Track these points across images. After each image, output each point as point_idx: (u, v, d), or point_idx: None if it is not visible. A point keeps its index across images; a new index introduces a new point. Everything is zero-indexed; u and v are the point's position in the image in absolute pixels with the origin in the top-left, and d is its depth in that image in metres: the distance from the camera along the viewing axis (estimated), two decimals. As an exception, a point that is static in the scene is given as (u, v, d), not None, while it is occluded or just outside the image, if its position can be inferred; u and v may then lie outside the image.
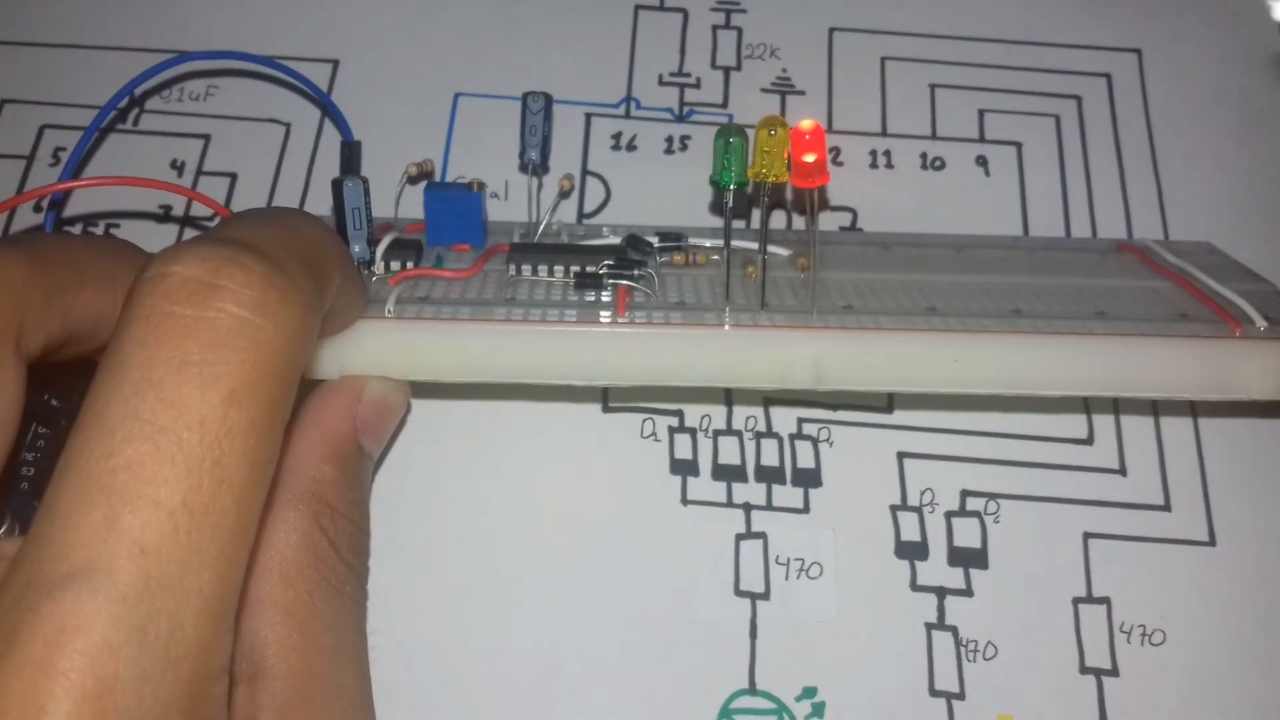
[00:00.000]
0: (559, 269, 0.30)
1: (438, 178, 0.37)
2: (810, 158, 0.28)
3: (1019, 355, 0.29)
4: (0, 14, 0.40)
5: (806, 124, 0.28)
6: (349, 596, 0.26)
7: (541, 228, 0.33)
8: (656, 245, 0.32)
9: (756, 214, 0.35)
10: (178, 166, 0.37)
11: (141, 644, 0.17)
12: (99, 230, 0.36)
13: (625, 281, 0.30)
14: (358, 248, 0.29)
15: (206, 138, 0.37)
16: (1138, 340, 0.29)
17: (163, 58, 0.33)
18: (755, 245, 0.31)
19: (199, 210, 0.36)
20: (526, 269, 0.30)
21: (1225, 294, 0.31)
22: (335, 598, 0.25)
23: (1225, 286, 0.31)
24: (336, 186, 0.29)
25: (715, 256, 0.32)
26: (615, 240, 0.32)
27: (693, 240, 0.33)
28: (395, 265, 0.30)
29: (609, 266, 0.30)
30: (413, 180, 0.34)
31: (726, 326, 0.29)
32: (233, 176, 0.37)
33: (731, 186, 0.28)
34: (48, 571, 0.17)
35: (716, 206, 0.36)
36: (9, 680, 0.16)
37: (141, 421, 0.18)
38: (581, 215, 0.37)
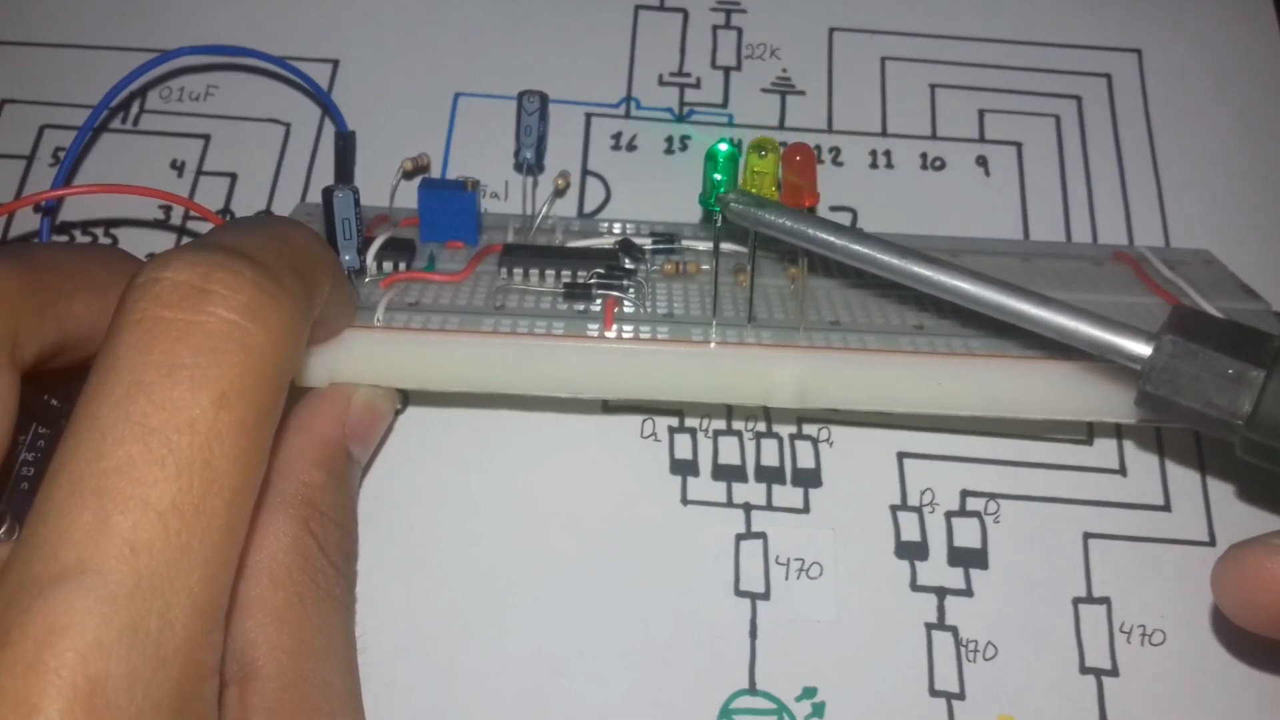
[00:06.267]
0: (550, 274, 0.31)
1: (437, 177, 0.37)
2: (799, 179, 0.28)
3: (1002, 380, 0.29)
4: (0, 14, 0.40)
5: (796, 146, 0.28)
6: (338, 599, 0.26)
7: (536, 224, 0.33)
8: (650, 247, 0.32)
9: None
10: (178, 166, 0.37)
11: (132, 642, 0.17)
12: (98, 236, 0.36)
13: (614, 293, 0.30)
14: (348, 257, 0.29)
15: (206, 138, 0.37)
16: (1114, 368, 0.28)
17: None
18: (747, 249, 0.31)
19: (198, 215, 0.36)
20: (518, 273, 0.31)
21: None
22: (324, 600, 0.25)
23: (1214, 307, 0.31)
24: (327, 196, 0.29)
25: (705, 266, 0.32)
26: (609, 243, 0.32)
27: (687, 243, 0.33)
28: (387, 266, 0.31)
29: (598, 276, 0.30)
30: (408, 175, 0.34)
31: (712, 345, 0.29)
32: (233, 176, 0.37)
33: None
34: (39, 571, 0.17)
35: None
36: (1, 679, 0.16)
37: (132, 423, 0.18)
38: (581, 215, 0.36)
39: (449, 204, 0.32)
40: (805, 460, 0.32)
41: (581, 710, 0.29)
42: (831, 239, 0.26)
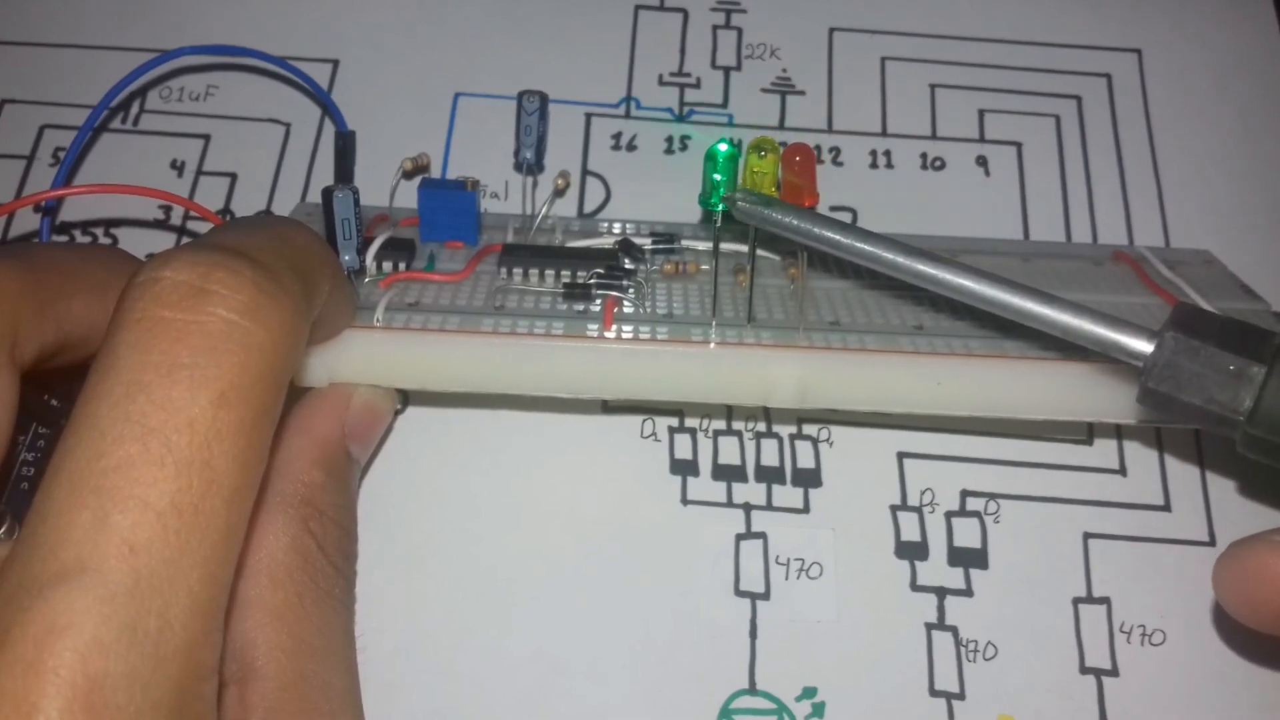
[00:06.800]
0: (549, 274, 0.31)
1: (437, 177, 0.37)
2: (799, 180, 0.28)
3: (1002, 380, 0.29)
4: (0, 14, 0.40)
5: (796, 146, 0.28)
6: (337, 599, 0.26)
7: (536, 224, 0.33)
8: (650, 247, 0.32)
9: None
10: (178, 166, 0.37)
11: (131, 642, 0.17)
12: (98, 236, 0.36)
13: (614, 293, 0.30)
14: (348, 257, 0.29)
15: (206, 138, 0.37)
16: (1113, 369, 0.28)
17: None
18: (746, 248, 0.31)
19: (198, 215, 0.36)
20: (517, 273, 0.31)
21: None
22: (324, 600, 0.25)
23: (1214, 307, 0.31)
24: (327, 196, 0.29)
25: (705, 266, 0.32)
26: (609, 243, 0.32)
27: (687, 243, 0.33)
28: (387, 266, 0.31)
29: (598, 276, 0.30)
30: (408, 175, 0.34)
31: (712, 345, 0.29)
32: (233, 176, 0.37)
33: (721, 209, 0.28)
34: (38, 571, 0.17)
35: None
36: (1, 679, 0.16)
37: (131, 423, 0.18)
38: (581, 215, 0.36)
39: (449, 204, 0.32)
40: (805, 460, 0.32)
41: (581, 710, 0.29)
42: (838, 237, 0.26)
